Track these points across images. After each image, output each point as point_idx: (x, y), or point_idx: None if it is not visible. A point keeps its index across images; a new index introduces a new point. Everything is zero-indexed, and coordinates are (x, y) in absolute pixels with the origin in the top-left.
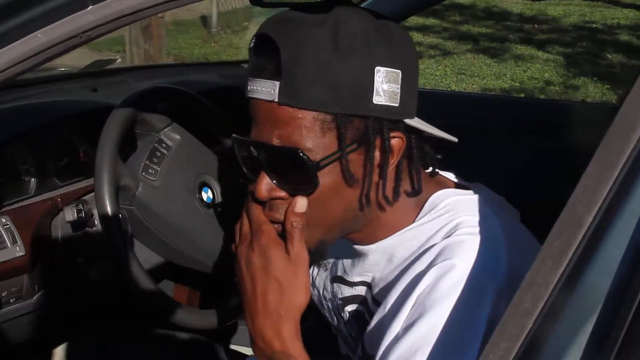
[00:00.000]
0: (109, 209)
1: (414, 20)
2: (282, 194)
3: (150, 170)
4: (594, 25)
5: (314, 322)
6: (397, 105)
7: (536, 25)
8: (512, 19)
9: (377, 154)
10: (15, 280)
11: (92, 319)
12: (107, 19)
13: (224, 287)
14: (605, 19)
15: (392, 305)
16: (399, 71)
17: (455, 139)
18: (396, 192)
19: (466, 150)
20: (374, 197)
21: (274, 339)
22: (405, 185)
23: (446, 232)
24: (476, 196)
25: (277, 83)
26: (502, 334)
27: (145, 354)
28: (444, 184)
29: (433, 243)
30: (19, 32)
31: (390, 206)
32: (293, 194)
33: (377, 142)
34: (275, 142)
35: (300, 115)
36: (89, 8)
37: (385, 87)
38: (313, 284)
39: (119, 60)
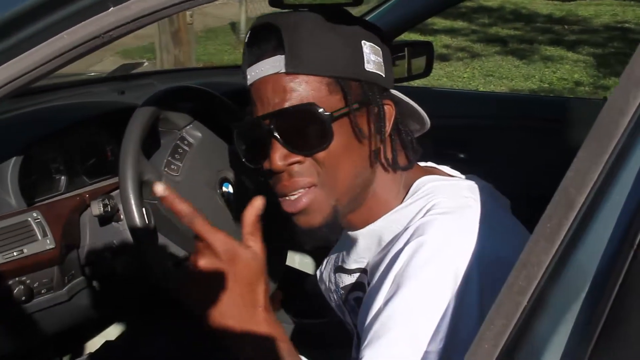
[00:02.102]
0: (132, 203)
1: (442, 23)
2: (298, 157)
3: (172, 166)
4: (626, 24)
5: (332, 318)
6: (383, 75)
7: (566, 26)
8: (540, 20)
9: (373, 117)
10: (45, 272)
11: (121, 314)
12: (127, 19)
13: None
14: (638, 19)
15: (374, 289)
16: (379, 48)
17: (424, 116)
18: (394, 162)
19: (484, 147)
20: (377, 160)
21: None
22: (401, 158)
23: (423, 213)
24: (458, 182)
25: (281, 57)
26: (497, 312)
27: (173, 347)
28: (432, 173)
29: (411, 225)
30: (46, 34)
31: (390, 176)
32: (308, 153)
33: (372, 106)
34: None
35: (306, 80)
36: (110, 10)
37: (373, 57)
38: (321, 279)
39: (146, 63)
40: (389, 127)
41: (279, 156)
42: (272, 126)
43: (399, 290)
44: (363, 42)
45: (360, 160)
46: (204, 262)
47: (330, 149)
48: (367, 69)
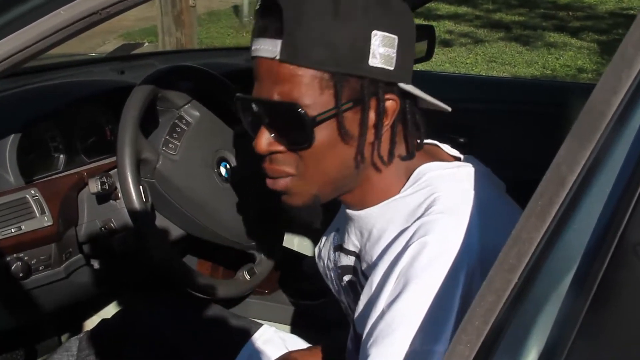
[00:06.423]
0: (130, 180)
1: (445, 8)
2: (281, 147)
3: (170, 145)
4: (632, 11)
5: (329, 298)
6: (392, 69)
7: (570, 13)
8: (545, 6)
9: (372, 114)
10: (43, 248)
11: (118, 292)
12: None
13: (242, 259)
14: None
15: (377, 285)
16: (395, 37)
17: (448, 108)
18: (391, 154)
19: (485, 132)
20: (369, 157)
21: None
22: (400, 149)
23: (424, 208)
24: (458, 170)
25: (279, 41)
26: (488, 288)
27: (169, 324)
28: (433, 156)
29: (411, 222)
30: (44, 10)
31: (385, 166)
32: (291, 148)
33: (372, 103)
34: (276, 97)
35: (299, 73)
36: None
37: (382, 50)
38: (319, 257)
39: (146, 44)
40: (387, 123)
41: (264, 141)
42: (260, 112)
43: (403, 291)
44: (374, 32)
45: (346, 159)
46: None
47: (312, 148)
48: (371, 64)
